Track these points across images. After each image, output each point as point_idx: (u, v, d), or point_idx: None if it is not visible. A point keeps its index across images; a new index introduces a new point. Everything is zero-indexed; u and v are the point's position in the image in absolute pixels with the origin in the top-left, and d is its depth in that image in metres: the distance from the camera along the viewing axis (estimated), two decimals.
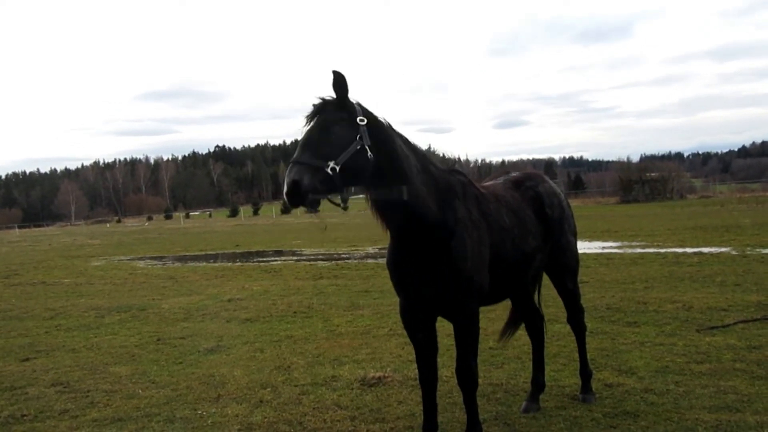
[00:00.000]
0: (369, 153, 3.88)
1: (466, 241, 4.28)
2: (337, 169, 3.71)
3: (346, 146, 3.80)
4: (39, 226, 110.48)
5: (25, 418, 5.95)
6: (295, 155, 3.75)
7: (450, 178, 4.48)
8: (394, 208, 4.14)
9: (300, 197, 3.62)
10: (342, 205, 4.08)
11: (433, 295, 4.35)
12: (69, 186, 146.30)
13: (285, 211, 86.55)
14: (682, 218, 30.72)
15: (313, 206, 3.73)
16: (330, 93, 3.96)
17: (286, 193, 3.62)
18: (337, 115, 3.88)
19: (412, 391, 6.01)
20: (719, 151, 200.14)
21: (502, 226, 4.67)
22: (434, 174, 4.34)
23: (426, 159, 4.40)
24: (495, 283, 4.61)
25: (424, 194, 4.18)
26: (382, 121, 4.16)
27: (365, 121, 3.93)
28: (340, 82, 3.90)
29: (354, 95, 4.01)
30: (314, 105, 3.95)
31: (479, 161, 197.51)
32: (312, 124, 3.88)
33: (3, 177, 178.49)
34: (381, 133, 4.03)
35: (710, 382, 5.82)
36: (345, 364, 7.16)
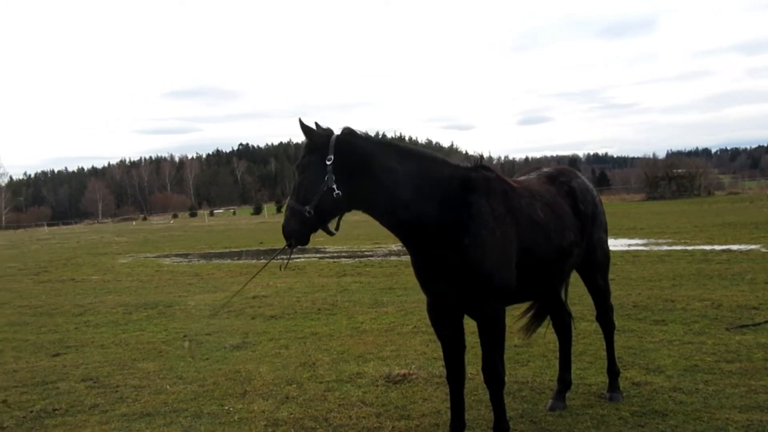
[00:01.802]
0: (336, 192, 4.18)
1: (485, 238, 4.25)
2: (312, 212, 4.18)
3: (315, 190, 4.19)
4: (67, 223, 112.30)
5: (56, 412, 6.06)
6: (290, 196, 4.38)
7: (470, 175, 4.45)
8: (380, 218, 4.34)
9: (286, 238, 4.29)
10: (332, 232, 4.37)
11: (453, 293, 4.35)
12: (96, 184, 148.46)
13: None
14: (710, 215, 30.27)
15: (301, 242, 4.32)
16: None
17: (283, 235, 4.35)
18: (310, 158, 4.25)
19: (437, 389, 6.01)
20: (748, 147, 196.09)
21: (535, 220, 4.62)
22: (440, 175, 4.35)
23: (429, 161, 4.40)
24: (527, 279, 4.57)
25: (416, 200, 4.21)
26: (359, 145, 4.26)
27: (331, 159, 4.18)
28: (304, 130, 4.28)
29: (343, 122, 4.38)
30: (303, 147, 4.37)
31: (502, 158, 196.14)
32: (299, 166, 4.33)
33: (32, 176, 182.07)
34: (352, 164, 4.21)
35: (741, 381, 5.73)
36: (370, 361, 7.18)
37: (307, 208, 4.18)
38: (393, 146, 4.38)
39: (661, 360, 6.53)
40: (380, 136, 4.55)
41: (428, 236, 4.26)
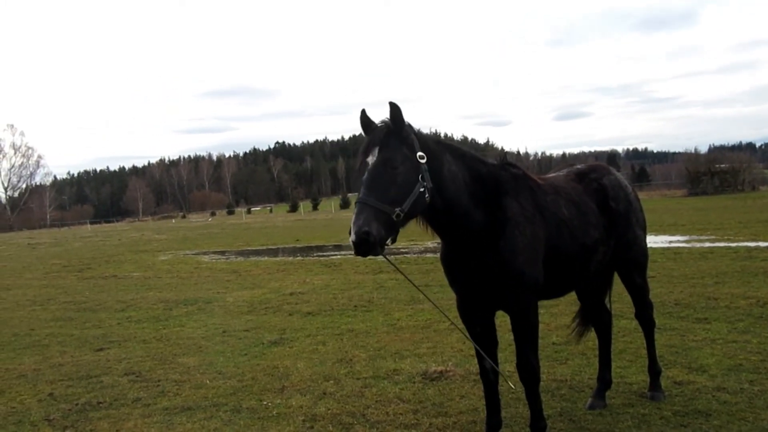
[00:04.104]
0: (427, 195, 3.79)
1: (517, 239, 4.23)
2: (402, 216, 3.63)
3: (411, 190, 3.69)
4: (109, 221, 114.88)
5: (101, 405, 6.22)
6: (361, 194, 3.62)
7: (501, 174, 4.42)
8: (435, 223, 4.17)
9: (370, 249, 3.51)
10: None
11: (485, 291, 4.34)
12: (137, 183, 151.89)
13: (344, 206, 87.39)
14: (754, 211, 29.43)
15: (374, 253, 3.59)
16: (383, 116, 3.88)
17: (355, 243, 3.48)
18: (400, 152, 3.73)
19: (474, 386, 5.98)
20: None
21: (559, 217, 4.59)
22: (483, 175, 4.29)
23: (474, 161, 4.32)
24: (553, 276, 4.54)
25: (469, 206, 4.14)
26: (433, 143, 4.06)
27: (425, 158, 3.80)
28: (396, 115, 3.78)
29: (406, 118, 3.85)
30: (376, 131, 3.81)
31: (539, 154, 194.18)
32: (377, 159, 3.71)
33: (75, 175, 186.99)
34: (433, 164, 3.91)
35: None
36: (406, 358, 7.18)
37: (398, 210, 3.59)
38: (448, 146, 4.22)
39: (704, 359, 6.39)
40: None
41: (470, 238, 4.23)
